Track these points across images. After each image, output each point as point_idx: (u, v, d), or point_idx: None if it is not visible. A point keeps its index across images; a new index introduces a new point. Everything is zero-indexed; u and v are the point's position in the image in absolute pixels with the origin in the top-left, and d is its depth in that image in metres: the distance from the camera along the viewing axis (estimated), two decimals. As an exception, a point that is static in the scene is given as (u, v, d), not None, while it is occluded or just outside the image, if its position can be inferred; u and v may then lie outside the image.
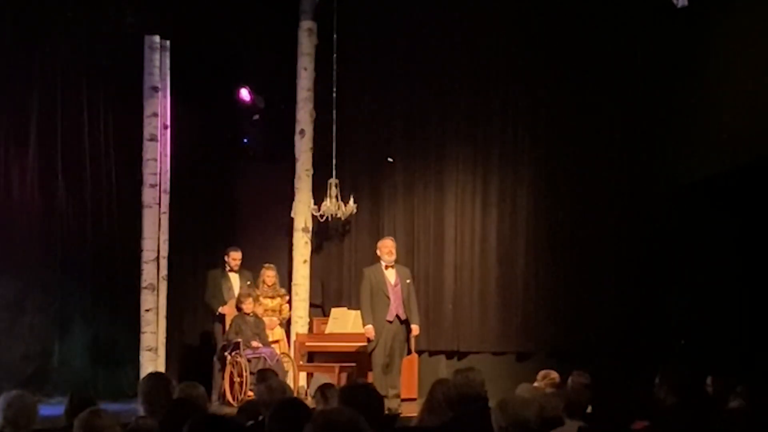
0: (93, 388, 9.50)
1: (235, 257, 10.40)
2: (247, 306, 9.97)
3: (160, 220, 10.60)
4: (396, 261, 9.38)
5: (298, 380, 10.24)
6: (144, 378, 5.55)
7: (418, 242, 11.02)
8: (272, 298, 10.35)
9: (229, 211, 11.54)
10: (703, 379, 6.18)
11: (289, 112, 11.08)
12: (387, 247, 9.32)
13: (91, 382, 9.88)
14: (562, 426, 4.87)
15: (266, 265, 10.47)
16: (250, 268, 10.90)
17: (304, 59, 11.00)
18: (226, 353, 9.88)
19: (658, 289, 10.05)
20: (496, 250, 10.80)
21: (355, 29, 10.95)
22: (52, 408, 7.39)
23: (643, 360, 8.88)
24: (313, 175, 11.02)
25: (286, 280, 11.06)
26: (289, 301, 10.69)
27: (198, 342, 11.12)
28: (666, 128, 10.18)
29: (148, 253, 10.48)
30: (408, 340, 9.36)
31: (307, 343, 10.53)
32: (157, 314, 10.52)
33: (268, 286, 10.35)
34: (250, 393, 8.87)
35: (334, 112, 10.77)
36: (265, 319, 10.13)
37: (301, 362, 10.37)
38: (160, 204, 10.60)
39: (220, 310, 10.23)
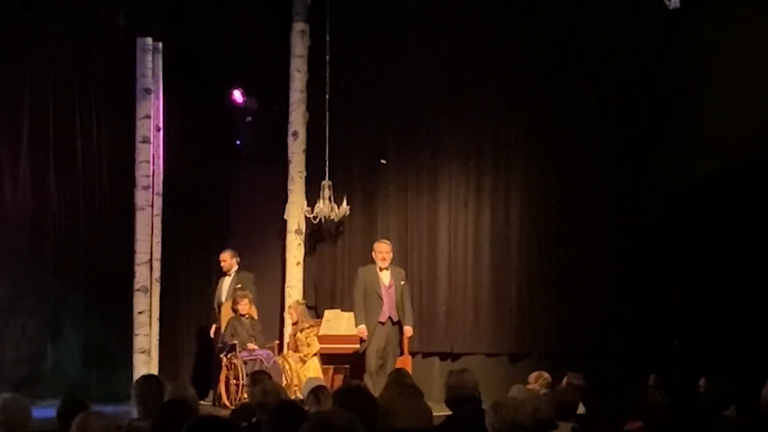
0: (86, 390, 9.47)
1: (222, 258, 10.42)
2: (243, 307, 9.96)
3: (153, 222, 10.57)
4: (391, 263, 9.38)
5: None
6: (137, 380, 5.55)
7: (412, 244, 11.02)
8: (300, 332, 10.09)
9: (222, 213, 11.53)
10: (696, 380, 6.20)
11: (282, 114, 11.08)
12: (381, 253, 9.33)
13: (84, 385, 9.85)
14: (555, 428, 4.88)
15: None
16: (242, 269, 10.93)
17: (296, 61, 10.99)
18: (221, 355, 9.88)
19: (651, 291, 10.08)
20: (489, 251, 10.82)
21: (347, 31, 10.95)
22: (45, 410, 7.37)
23: (636, 361, 8.90)
24: (306, 177, 11.01)
25: (280, 282, 11.07)
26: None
27: (192, 344, 11.12)
28: (657, 131, 10.22)
29: (140, 255, 10.46)
30: (401, 341, 9.36)
31: (300, 345, 10.52)
32: (150, 316, 10.49)
33: (293, 324, 10.18)
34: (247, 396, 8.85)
35: (327, 113, 10.76)
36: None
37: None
38: (152, 206, 10.58)
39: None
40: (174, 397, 4.79)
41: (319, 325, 10.37)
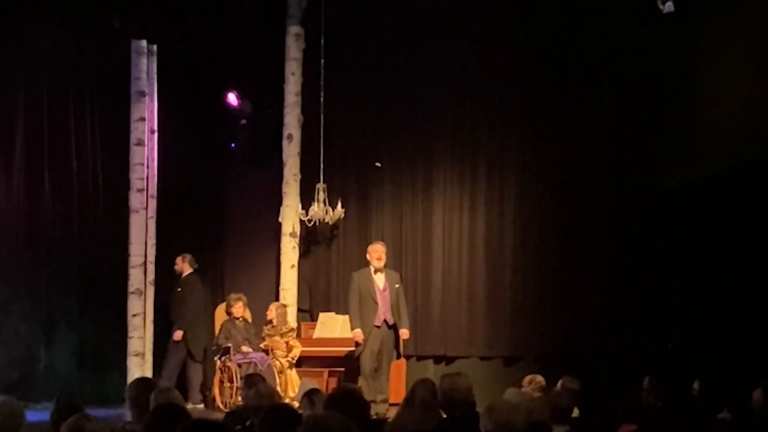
0: (79, 393, 9.45)
1: (175, 261, 10.42)
2: (237, 310, 9.95)
3: (147, 224, 10.57)
4: (385, 265, 9.38)
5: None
6: (131, 383, 5.55)
7: (406, 247, 11.02)
8: (275, 335, 10.06)
9: (217, 215, 11.52)
10: (690, 383, 6.21)
11: (276, 117, 11.08)
12: (377, 252, 9.31)
13: (78, 388, 9.83)
14: None
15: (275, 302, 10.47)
16: (238, 273, 10.94)
17: (291, 64, 10.99)
18: (215, 358, 9.87)
19: (646, 294, 10.08)
20: (483, 255, 10.82)
21: (342, 34, 10.97)
22: (39, 413, 7.36)
23: (631, 364, 8.91)
24: (301, 180, 11.02)
25: (274, 285, 11.06)
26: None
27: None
28: (651, 133, 10.23)
29: (135, 257, 10.45)
30: (397, 344, 9.36)
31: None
32: (144, 319, 10.48)
33: (268, 321, 10.19)
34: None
35: (322, 116, 10.77)
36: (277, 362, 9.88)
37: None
38: (147, 209, 10.58)
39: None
40: (163, 401, 4.76)
41: (299, 330, 10.39)
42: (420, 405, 5.14)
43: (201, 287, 10.54)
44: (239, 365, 9.61)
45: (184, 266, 10.42)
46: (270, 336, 10.00)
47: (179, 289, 10.33)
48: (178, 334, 10.25)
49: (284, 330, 10.04)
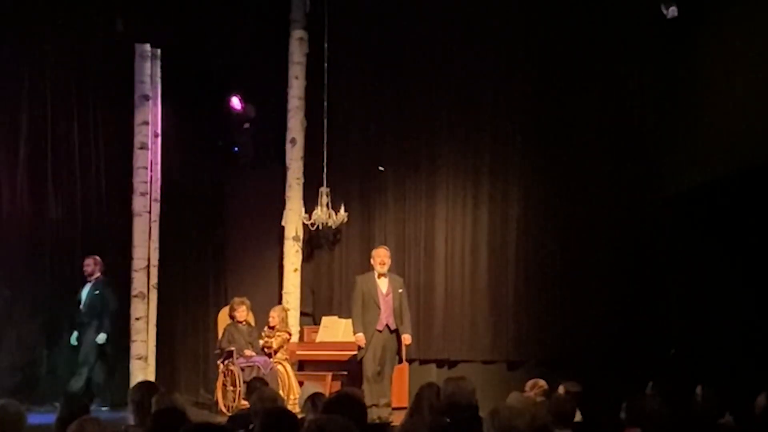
0: (83, 395, 9.45)
1: (86, 263, 9.97)
2: (240, 314, 9.95)
3: (150, 228, 10.59)
4: (389, 270, 9.38)
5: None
6: (134, 387, 5.55)
7: (409, 251, 11.02)
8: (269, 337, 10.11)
9: (220, 219, 11.53)
10: (693, 388, 6.21)
11: (280, 121, 11.09)
12: (380, 257, 9.30)
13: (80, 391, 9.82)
14: (552, 435, 4.88)
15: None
16: (241, 276, 10.92)
17: (295, 68, 11.01)
18: (218, 362, 9.87)
19: (648, 299, 10.08)
20: (486, 259, 10.81)
21: (345, 38, 10.98)
22: (42, 416, 7.37)
23: (633, 369, 8.91)
24: (304, 184, 11.03)
25: (277, 289, 11.06)
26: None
27: (188, 350, 11.10)
28: (654, 139, 10.23)
29: (138, 261, 10.47)
30: (399, 349, 9.35)
31: (297, 352, 10.52)
32: (147, 323, 10.50)
33: (269, 327, 10.20)
34: (244, 402, 8.83)
35: (325, 120, 10.78)
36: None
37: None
38: (150, 212, 10.59)
39: None
40: (161, 406, 4.75)
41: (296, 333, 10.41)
42: (428, 409, 5.16)
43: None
44: (242, 369, 9.61)
45: (96, 269, 10.07)
46: (268, 338, 10.02)
47: (97, 292, 10.04)
48: (102, 336, 9.86)
49: (281, 330, 10.07)
